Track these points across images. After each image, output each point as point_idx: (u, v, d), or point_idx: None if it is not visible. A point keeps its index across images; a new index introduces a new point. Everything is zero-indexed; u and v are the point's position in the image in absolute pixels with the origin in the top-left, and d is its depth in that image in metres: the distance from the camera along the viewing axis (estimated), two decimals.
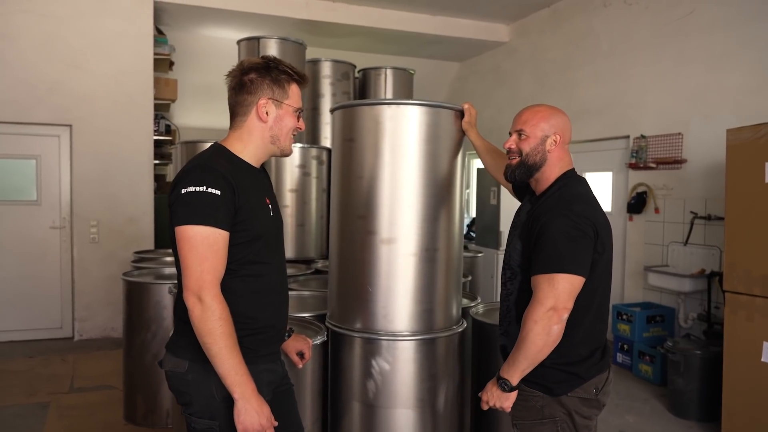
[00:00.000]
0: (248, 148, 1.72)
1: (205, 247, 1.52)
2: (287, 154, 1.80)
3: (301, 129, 1.79)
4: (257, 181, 1.73)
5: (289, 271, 3.80)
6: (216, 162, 1.61)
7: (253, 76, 1.68)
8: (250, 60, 1.72)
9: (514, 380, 1.77)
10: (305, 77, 1.77)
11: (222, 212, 1.54)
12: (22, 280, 5.61)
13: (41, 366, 4.84)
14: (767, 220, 3.30)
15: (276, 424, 1.61)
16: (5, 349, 5.33)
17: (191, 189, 1.53)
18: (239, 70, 1.71)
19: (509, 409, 1.83)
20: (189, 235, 1.52)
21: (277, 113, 1.71)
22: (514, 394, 1.80)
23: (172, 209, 1.57)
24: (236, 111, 1.72)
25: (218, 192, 1.54)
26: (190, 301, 1.52)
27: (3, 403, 3.98)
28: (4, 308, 5.56)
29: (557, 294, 1.69)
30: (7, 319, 5.57)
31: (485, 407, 1.85)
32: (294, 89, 1.74)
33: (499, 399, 1.80)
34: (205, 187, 1.53)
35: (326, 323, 2.54)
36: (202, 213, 1.52)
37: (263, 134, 1.72)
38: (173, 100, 6.62)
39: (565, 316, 1.70)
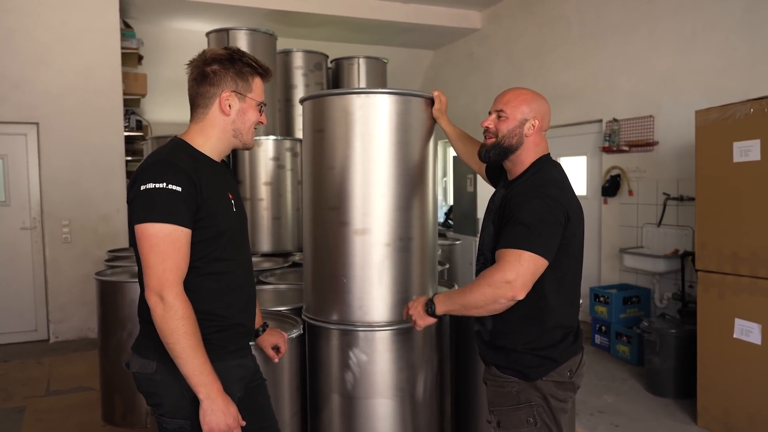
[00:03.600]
0: (209, 141, 1.68)
1: (166, 244, 1.48)
2: (249, 147, 1.77)
3: (263, 123, 1.76)
4: (219, 176, 1.69)
5: (266, 264, 3.78)
6: (176, 157, 1.57)
7: (216, 68, 1.65)
8: (213, 50, 1.68)
9: (439, 311, 1.80)
10: (269, 71, 1.75)
11: (183, 209, 1.51)
12: None
13: (16, 370, 4.75)
14: (736, 200, 3.36)
15: (243, 423, 1.59)
16: None
17: (151, 185, 1.49)
18: (201, 60, 1.66)
19: (420, 329, 1.87)
20: (150, 233, 1.49)
21: (240, 106, 1.68)
22: (431, 320, 1.83)
23: (132, 207, 1.53)
24: (197, 103, 1.68)
25: (179, 188, 1.50)
26: (152, 301, 1.48)
27: None
28: None
29: (521, 271, 1.66)
30: None
31: (405, 313, 1.90)
32: (257, 82, 1.71)
33: (419, 316, 1.84)
34: (165, 183, 1.49)
35: (302, 316, 2.53)
36: (163, 210, 1.48)
37: (225, 127, 1.68)
38: (143, 95, 6.50)
39: (519, 298, 1.67)
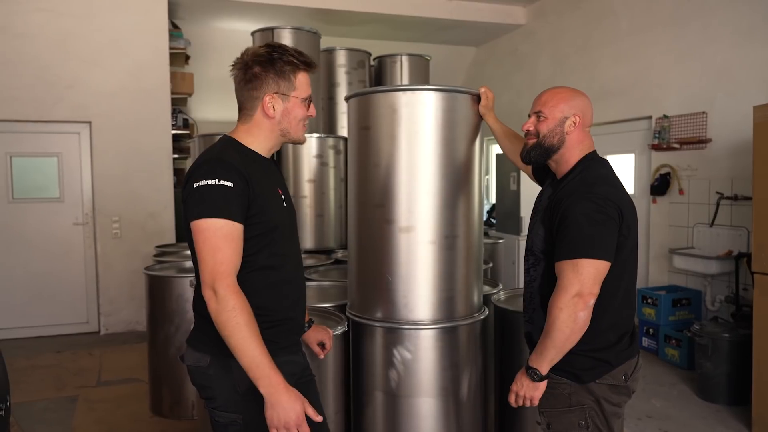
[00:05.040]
0: (257, 140, 1.69)
1: (218, 238, 1.50)
2: (300, 142, 1.76)
3: (312, 116, 1.73)
4: (269, 172, 1.70)
5: (309, 261, 3.80)
6: (227, 154, 1.59)
7: (256, 70, 1.62)
8: (254, 51, 1.65)
9: (543, 369, 1.73)
10: (312, 63, 1.70)
11: (235, 204, 1.52)
12: (48, 276, 5.71)
13: (69, 360, 4.93)
14: None
15: (320, 418, 1.56)
16: (34, 344, 5.44)
17: (203, 182, 1.51)
18: (242, 62, 1.65)
19: (537, 401, 1.79)
20: (203, 227, 1.51)
21: (284, 107, 1.66)
22: (543, 384, 1.76)
23: (186, 204, 1.55)
24: (243, 105, 1.68)
25: (230, 184, 1.52)
26: (206, 294, 1.50)
27: (33, 398, 4.05)
28: (31, 304, 5.66)
29: (582, 280, 1.65)
30: (34, 315, 5.67)
31: (512, 398, 1.81)
32: (301, 78, 1.67)
33: (528, 389, 1.77)
34: (217, 180, 1.51)
35: (347, 313, 2.53)
36: (215, 206, 1.50)
37: (272, 128, 1.68)
38: (190, 94, 6.64)
39: (592, 302, 1.66)
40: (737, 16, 4.60)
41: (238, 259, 1.55)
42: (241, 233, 1.55)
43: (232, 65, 1.68)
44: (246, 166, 1.58)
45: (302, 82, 1.67)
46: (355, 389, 2.50)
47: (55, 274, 5.74)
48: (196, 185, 1.53)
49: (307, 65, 1.68)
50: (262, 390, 1.50)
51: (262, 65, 1.62)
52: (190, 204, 1.53)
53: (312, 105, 1.73)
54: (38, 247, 5.69)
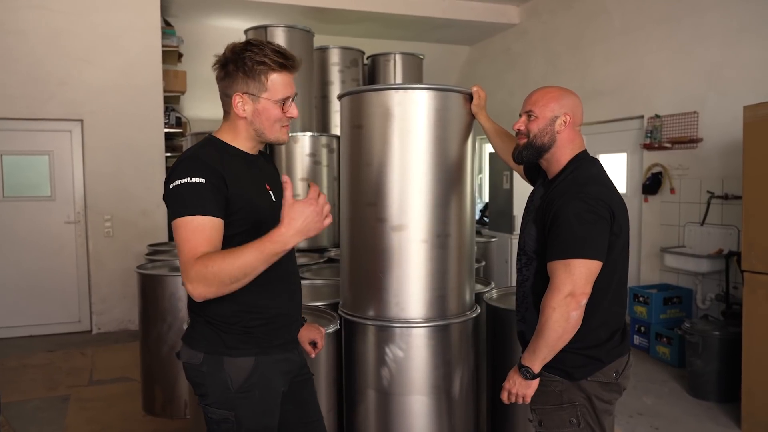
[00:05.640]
0: (238, 138, 1.68)
1: (188, 231, 1.48)
2: (281, 142, 1.71)
3: (292, 117, 1.65)
4: (254, 168, 1.69)
5: (302, 260, 3.80)
6: (203, 152, 1.59)
7: (230, 68, 1.60)
8: (232, 47, 1.62)
9: (536, 368, 1.75)
10: (290, 64, 1.61)
11: (208, 199, 1.51)
12: (39, 275, 5.68)
13: (61, 359, 4.90)
14: None
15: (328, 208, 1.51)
16: (26, 343, 5.41)
17: (177, 182, 1.52)
18: (220, 60, 1.63)
19: (529, 399, 1.80)
20: (177, 225, 1.51)
21: (254, 108, 1.61)
22: (535, 383, 1.78)
23: (166, 205, 1.56)
24: (222, 102, 1.68)
25: (202, 180, 1.51)
26: (188, 288, 1.46)
27: (24, 397, 4.03)
28: (23, 303, 5.63)
29: (574, 280, 1.66)
30: (26, 314, 5.64)
31: (505, 396, 1.83)
32: (275, 79, 1.59)
33: (521, 387, 1.78)
34: (189, 178, 1.51)
35: (339, 312, 2.54)
36: (190, 203, 1.50)
37: (247, 128, 1.65)
38: (183, 92, 6.61)
39: (584, 301, 1.68)
40: (729, 15, 4.63)
41: (210, 246, 1.49)
42: (216, 225, 1.52)
43: (214, 63, 1.65)
44: (224, 163, 1.58)
45: (276, 83, 1.60)
46: (348, 387, 2.51)
47: (46, 272, 5.70)
48: (171, 186, 1.54)
49: (282, 66, 1.60)
50: (289, 245, 1.46)
51: (234, 63, 1.59)
52: (169, 205, 1.55)
53: (292, 105, 1.65)
54: (29, 246, 5.65)
